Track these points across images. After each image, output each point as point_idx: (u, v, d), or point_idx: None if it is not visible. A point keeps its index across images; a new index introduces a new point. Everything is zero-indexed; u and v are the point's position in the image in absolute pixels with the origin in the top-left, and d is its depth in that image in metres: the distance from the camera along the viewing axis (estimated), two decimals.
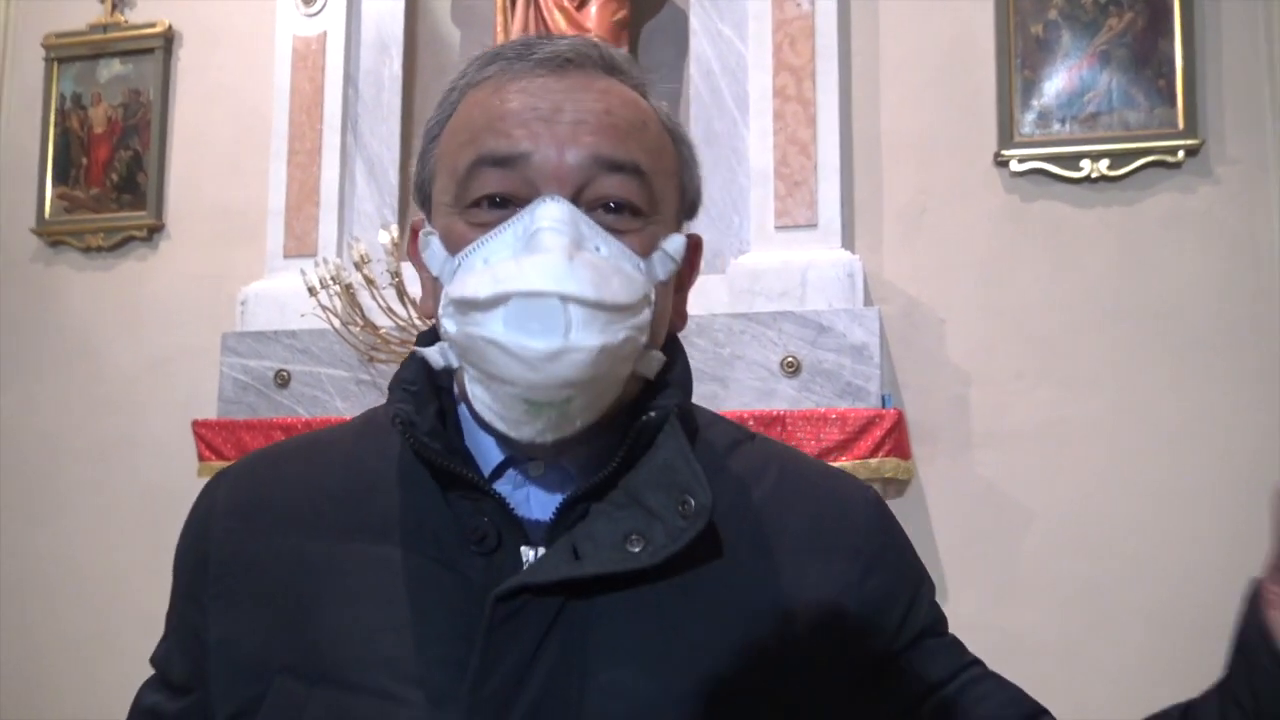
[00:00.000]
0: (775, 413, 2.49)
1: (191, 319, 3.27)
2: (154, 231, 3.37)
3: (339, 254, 2.95)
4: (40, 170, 3.45)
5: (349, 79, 3.08)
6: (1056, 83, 2.77)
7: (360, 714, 0.74)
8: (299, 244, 3.01)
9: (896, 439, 2.47)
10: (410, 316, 2.68)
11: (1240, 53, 2.69)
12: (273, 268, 3.03)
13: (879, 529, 0.85)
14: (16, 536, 3.37)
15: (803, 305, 2.62)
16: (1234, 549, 2.39)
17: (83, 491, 3.33)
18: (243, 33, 3.32)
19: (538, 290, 0.69)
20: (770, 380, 2.57)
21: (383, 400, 0.86)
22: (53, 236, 3.44)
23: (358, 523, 0.80)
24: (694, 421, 0.84)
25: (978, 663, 0.85)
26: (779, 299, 2.64)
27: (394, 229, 2.69)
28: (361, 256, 2.68)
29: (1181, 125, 2.68)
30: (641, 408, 0.78)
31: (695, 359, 2.57)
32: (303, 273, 2.75)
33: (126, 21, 3.45)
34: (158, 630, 0.89)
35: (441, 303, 0.76)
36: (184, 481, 2.75)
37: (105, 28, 3.44)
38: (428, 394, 0.81)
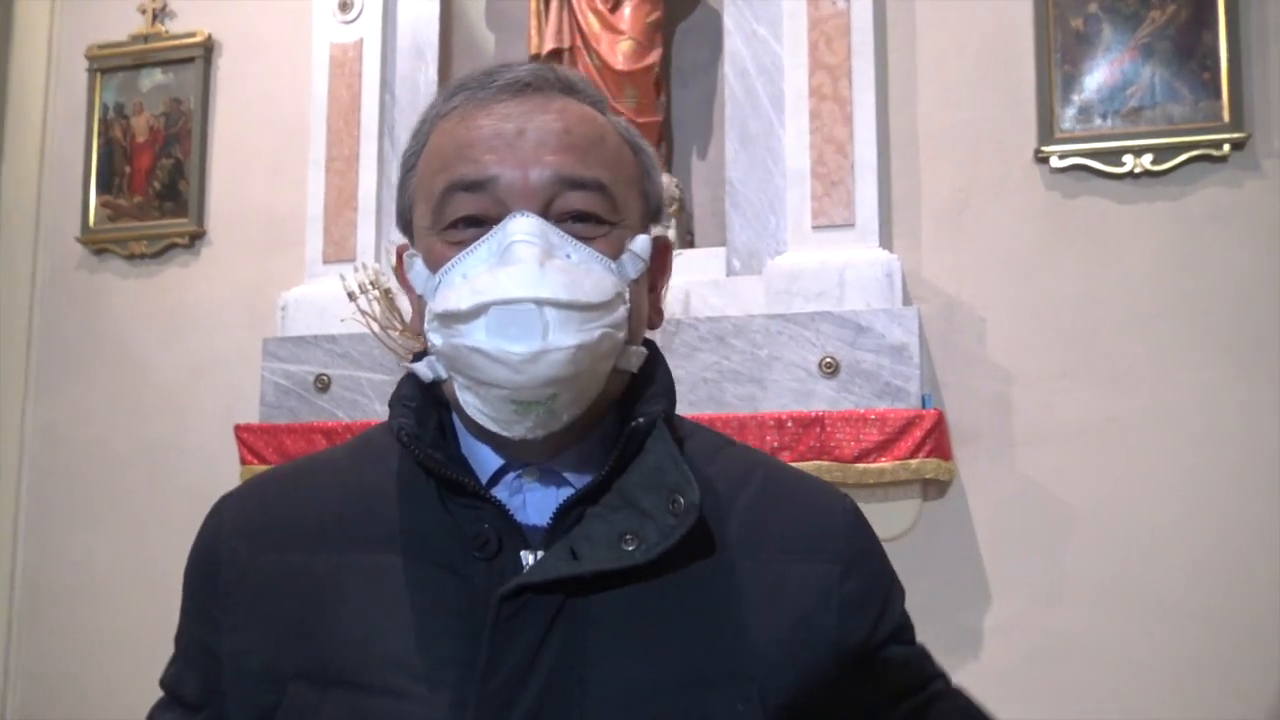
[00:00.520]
0: (814, 414, 2.47)
1: (233, 324, 3.30)
2: (195, 238, 3.41)
3: (377, 259, 2.97)
4: (84, 179, 3.51)
5: (385, 85, 3.11)
6: (1097, 77, 2.73)
7: (375, 713, 0.78)
8: (338, 249, 3.04)
9: (937, 439, 2.45)
10: None
11: None
12: (312, 273, 3.06)
13: (857, 534, 0.90)
14: (65, 541, 3.43)
15: (841, 305, 2.60)
16: None
17: (128, 496, 3.38)
18: (281, 41, 3.36)
19: (514, 298, 0.75)
20: (809, 381, 2.55)
21: None
22: (97, 244, 3.49)
23: (361, 535, 0.84)
24: (678, 430, 0.89)
25: (944, 676, 0.92)
26: (816, 299, 2.63)
27: None
28: None
29: (1227, 118, 2.63)
30: (628, 414, 0.83)
31: (733, 360, 2.60)
32: (342, 278, 2.77)
33: (167, 32, 3.49)
34: None
35: (427, 318, 0.81)
36: (227, 485, 2.71)
37: (146, 38, 3.49)
38: (427, 408, 0.85)
